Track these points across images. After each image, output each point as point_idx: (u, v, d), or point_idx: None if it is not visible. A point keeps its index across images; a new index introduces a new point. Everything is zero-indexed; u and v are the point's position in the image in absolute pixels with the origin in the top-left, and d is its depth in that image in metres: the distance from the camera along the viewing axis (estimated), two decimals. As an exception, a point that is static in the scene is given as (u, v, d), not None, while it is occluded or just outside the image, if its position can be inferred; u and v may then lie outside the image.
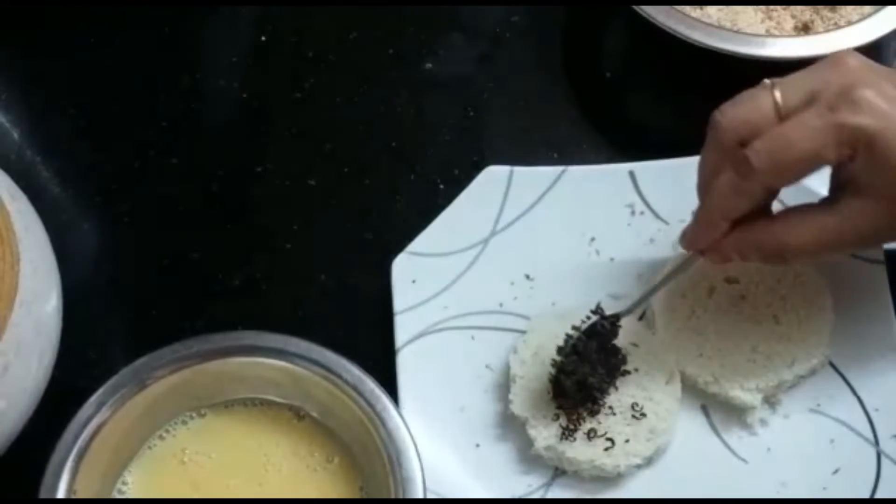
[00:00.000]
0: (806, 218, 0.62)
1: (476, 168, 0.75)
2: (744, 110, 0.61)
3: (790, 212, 0.63)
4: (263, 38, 0.82)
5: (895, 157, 0.58)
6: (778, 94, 0.60)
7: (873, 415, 0.67)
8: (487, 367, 0.70)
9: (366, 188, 0.77)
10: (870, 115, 0.58)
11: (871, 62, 0.61)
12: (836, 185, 0.63)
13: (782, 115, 0.59)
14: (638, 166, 0.73)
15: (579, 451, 0.65)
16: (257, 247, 0.76)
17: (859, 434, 0.67)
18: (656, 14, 0.74)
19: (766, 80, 0.61)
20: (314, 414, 0.64)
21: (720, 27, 0.75)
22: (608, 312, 0.68)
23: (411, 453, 0.60)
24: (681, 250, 0.69)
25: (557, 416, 0.66)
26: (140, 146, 0.79)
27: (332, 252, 0.75)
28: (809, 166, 0.59)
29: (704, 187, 0.64)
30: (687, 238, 0.66)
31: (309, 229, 0.76)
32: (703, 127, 0.78)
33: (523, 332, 0.69)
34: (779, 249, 0.62)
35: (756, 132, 0.60)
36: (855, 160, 0.59)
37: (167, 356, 0.63)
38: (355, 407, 0.61)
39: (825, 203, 0.63)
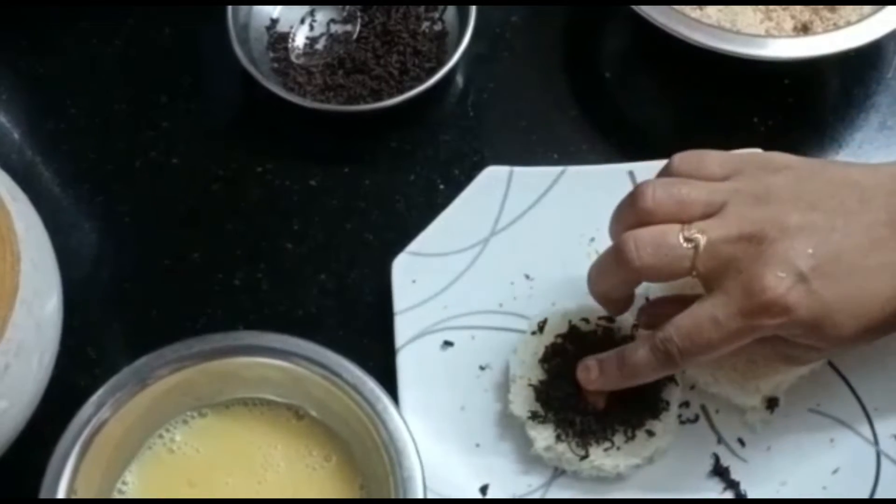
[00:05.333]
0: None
1: (476, 168, 0.75)
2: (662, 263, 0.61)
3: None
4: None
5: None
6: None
7: (873, 415, 0.67)
8: (487, 367, 0.70)
9: (366, 188, 0.77)
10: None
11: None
12: None
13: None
14: (638, 166, 0.73)
15: (578, 451, 0.65)
16: (257, 247, 0.76)
17: (859, 434, 0.67)
18: (656, 14, 0.74)
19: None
20: (314, 413, 0.64)
21: (720, 27, 0.75)
22: (603, 314, 0.68)
23: (411, 453, 0.60)
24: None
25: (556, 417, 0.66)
26: (140, 146, 0.79)
27: (332, 252, 0.75)
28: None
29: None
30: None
31: (309, 229, 0.76)
32: (703, 127, 0.79)
33: (523, 332, 0.69)
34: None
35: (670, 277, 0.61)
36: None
37: (167, 356, 0.63)
38: (355, 407, 0.61)
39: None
